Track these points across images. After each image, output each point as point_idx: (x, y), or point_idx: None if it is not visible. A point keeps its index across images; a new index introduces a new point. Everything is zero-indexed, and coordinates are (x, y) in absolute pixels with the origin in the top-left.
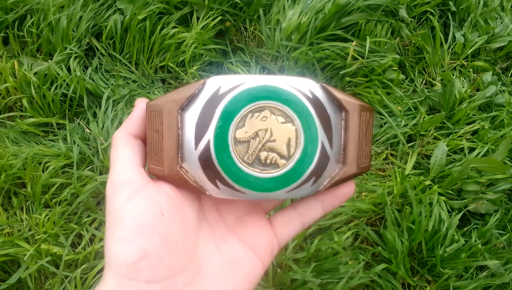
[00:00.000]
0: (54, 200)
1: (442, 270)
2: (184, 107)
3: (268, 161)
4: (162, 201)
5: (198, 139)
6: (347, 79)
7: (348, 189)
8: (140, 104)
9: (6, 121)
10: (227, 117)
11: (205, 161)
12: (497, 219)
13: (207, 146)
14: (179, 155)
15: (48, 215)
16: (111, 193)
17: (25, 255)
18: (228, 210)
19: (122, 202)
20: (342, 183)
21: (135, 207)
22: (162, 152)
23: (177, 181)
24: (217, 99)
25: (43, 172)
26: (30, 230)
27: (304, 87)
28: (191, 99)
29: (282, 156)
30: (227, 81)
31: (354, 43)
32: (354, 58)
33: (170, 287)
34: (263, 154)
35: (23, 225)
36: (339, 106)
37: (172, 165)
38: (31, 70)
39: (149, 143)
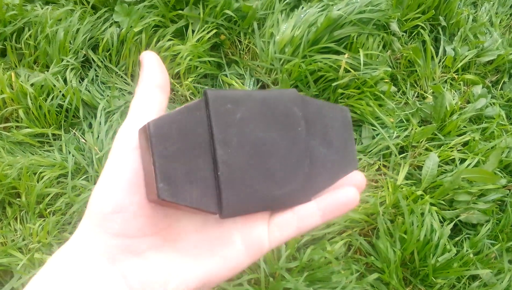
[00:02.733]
0: (48, 210)
1: (434, 280)
2: None
3: None
4: None
5: None
6: (340, 91)
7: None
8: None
9: (2, 132)
10: None
11: None
12: (489, 229)
13: None
14: None
15: (42, 224)
16: (127, 136)
17: (18, 265)
18: None
19: (130, 150)
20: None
21: (132, 161)
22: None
23: None
24: None
25: (38, 182)
26: (24, 240)
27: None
28: None
29: None
30: None
31: (346, 55)
32: (347, 71)
33: (135, 246)
34: None
35: (17, 235)
36: None
37: None
38: (28, 81)
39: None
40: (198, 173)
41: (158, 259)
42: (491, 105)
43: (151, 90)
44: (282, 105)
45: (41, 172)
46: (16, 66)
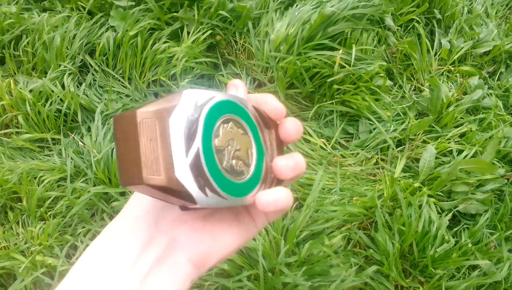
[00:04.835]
0: (49, 213)
1: (434, 270)
2: (170, 116)
3: (238, 168)
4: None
5: (188, 147)
6: (335, 86)
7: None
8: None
9: (2, 138)
10: (209, 126)
11: (196, 168)
12: (487, 218)
13: (197, 153)
14: (173, 163)
15: (43, 227)
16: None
17: (21, 267)
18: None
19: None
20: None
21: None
22: (159, 160)
23: (172, 190)
24: (197, 110)
25: (38, 186)
26: (25, 243)
27: (249, 105)
28: (174, 108)
29: (245, 164)
30: (201, 94)
31: (340, 51)
32: (342, 66)
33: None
34: (235, 162)
35: (19, 238)
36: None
37: (170, 174)
38: (27, 87)
39: (143, 151)
40: None
41: (198, 235)
42: (488, 95)
43: None
44: None
45: (41, 176)
46: (15, 73)
